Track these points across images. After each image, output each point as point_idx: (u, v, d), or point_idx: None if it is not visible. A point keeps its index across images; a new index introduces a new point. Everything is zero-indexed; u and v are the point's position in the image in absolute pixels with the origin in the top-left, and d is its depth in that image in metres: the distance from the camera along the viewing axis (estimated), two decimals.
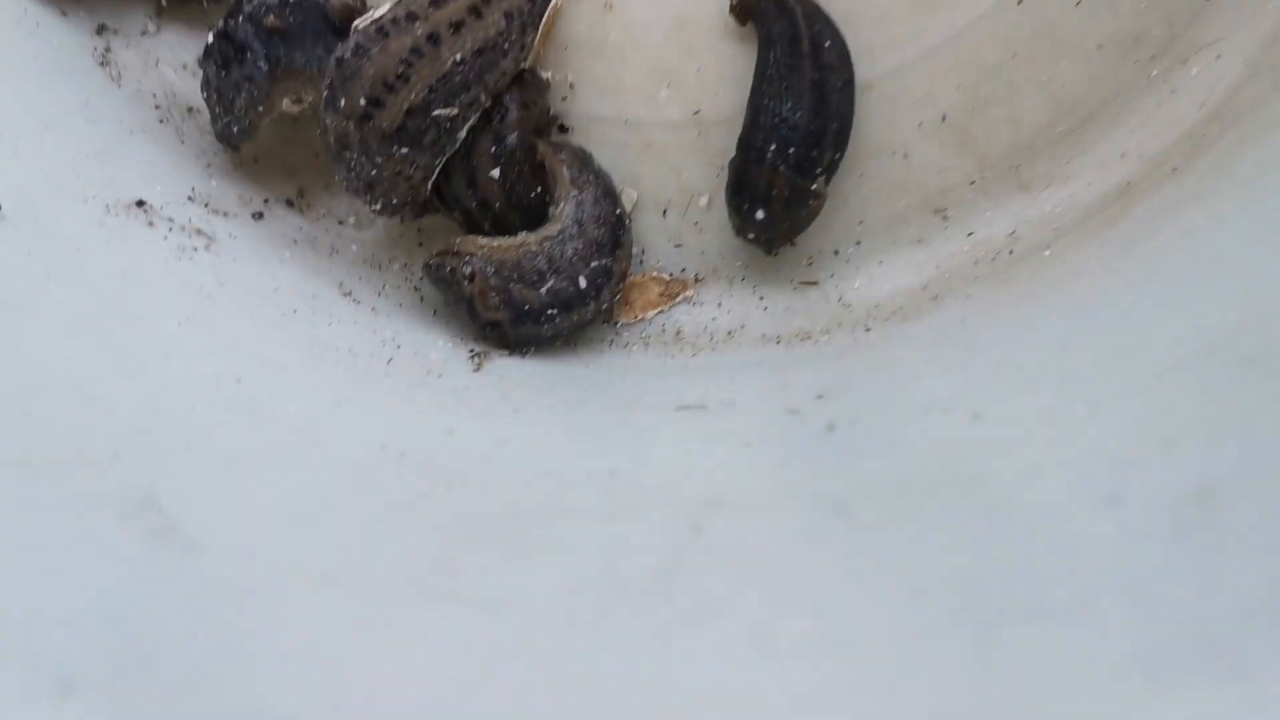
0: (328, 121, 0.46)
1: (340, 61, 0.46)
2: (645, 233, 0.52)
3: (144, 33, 0.54)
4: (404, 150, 0.46)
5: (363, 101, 0.45)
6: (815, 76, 0.47)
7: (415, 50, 0.46)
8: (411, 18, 0.46)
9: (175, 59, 0.54)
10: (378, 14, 0.47)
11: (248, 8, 0.50)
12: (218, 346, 0.42)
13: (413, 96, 0.45)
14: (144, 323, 0.41)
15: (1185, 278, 0.42)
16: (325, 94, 0.46)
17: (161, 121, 0.53)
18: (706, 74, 0.51)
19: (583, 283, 0.48)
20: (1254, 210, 0.42)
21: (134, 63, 0.53)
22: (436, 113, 0.46)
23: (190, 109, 0.54)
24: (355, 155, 0.46)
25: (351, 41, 0.46)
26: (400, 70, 0.45)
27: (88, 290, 0.41)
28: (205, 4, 0.54)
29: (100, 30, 0.54)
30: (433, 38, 0.46)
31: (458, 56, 0.46)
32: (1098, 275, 0.45)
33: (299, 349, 0.44)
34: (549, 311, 0.48)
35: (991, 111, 0.49)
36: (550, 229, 0.48)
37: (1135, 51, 0.48)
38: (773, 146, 0.47)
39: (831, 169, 0.48)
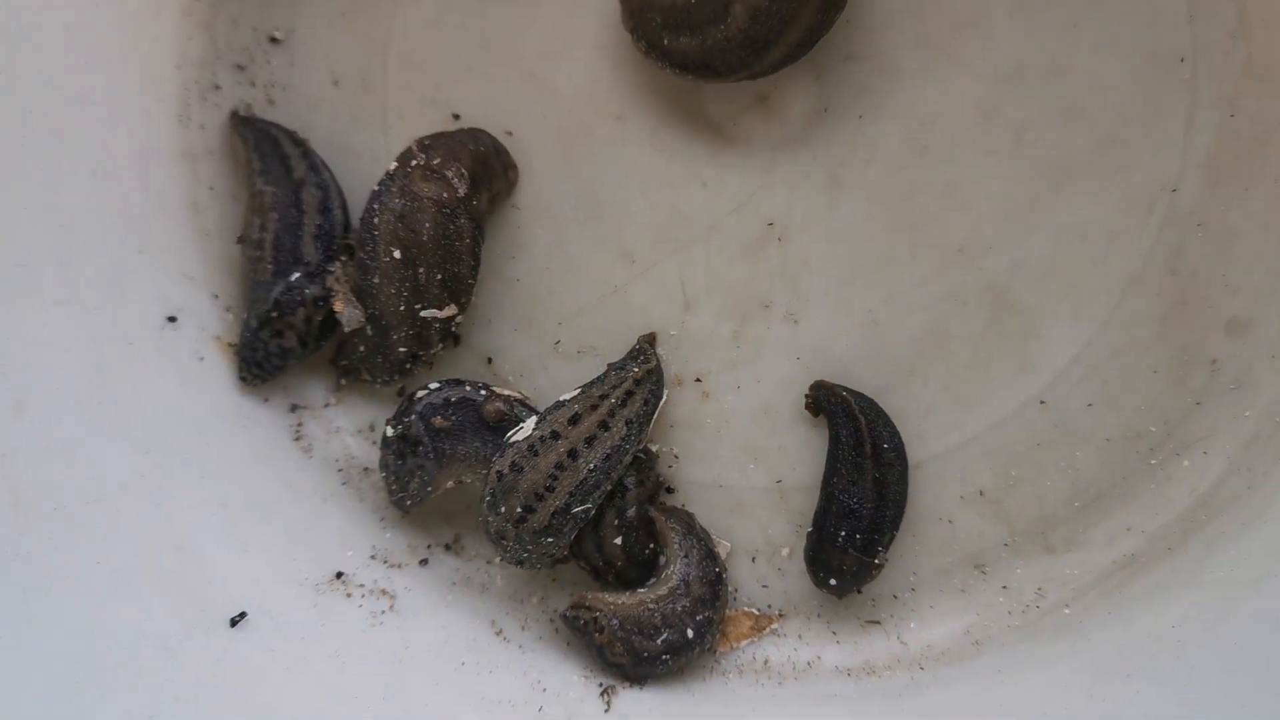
0: (489, 519, 0.59)
1: (501, 475, 0.58)
2: (737, 575, 0.64)
3: (326, 405, 0.67)
4: (550, 540, 0.59)
5: (519, 509, 0.58)
6: (877, 475, 0.59)
7: (559, 465, 0.58)
8: (555, 436, 0.59)
9: (352, 425, 0.67)
10: (527, 431, 0.60)
11: (419, 407, 0.63)
12: (414, 718, 0.55)
13: (558, 503, 0.58)
14: (358, 703, 0.54)
15: (1183, 652, 0.54)
16: (487, 499, 0.59)
17: (344, 484, 0.66)
18: (786, 450, 0.63)
19: (690, 633, 0.60)
20: (1227, 606, 0.53)
21: (319, 433, 0.66)
22: (575, 510, 0.59)
23: (365, 469, 0.67)
24: (511, 544, 0.59)
25: (508, 458, 0.59)
26: (548, 483, 0.58)
27: (315, 680, 0.54)
28: (376, 385, 0.66)
29: (293, 409, 0.67)
30: (572, 453, 0.59)
31: (592, 465, 0.59)
32: (1114, 638, 0.56)
33: (473, 709, 0.57)
34: (663, 657, 0.60)
35: (1020, 488, 0.61)
36: (663, 589, 0.61)
37: (1137, 444, 0.60)
38: (842, 532, 0.59)
39: (890, 542, 0.60)
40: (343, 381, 0.66)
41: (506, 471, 0.58)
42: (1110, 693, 0.53)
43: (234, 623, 0.54)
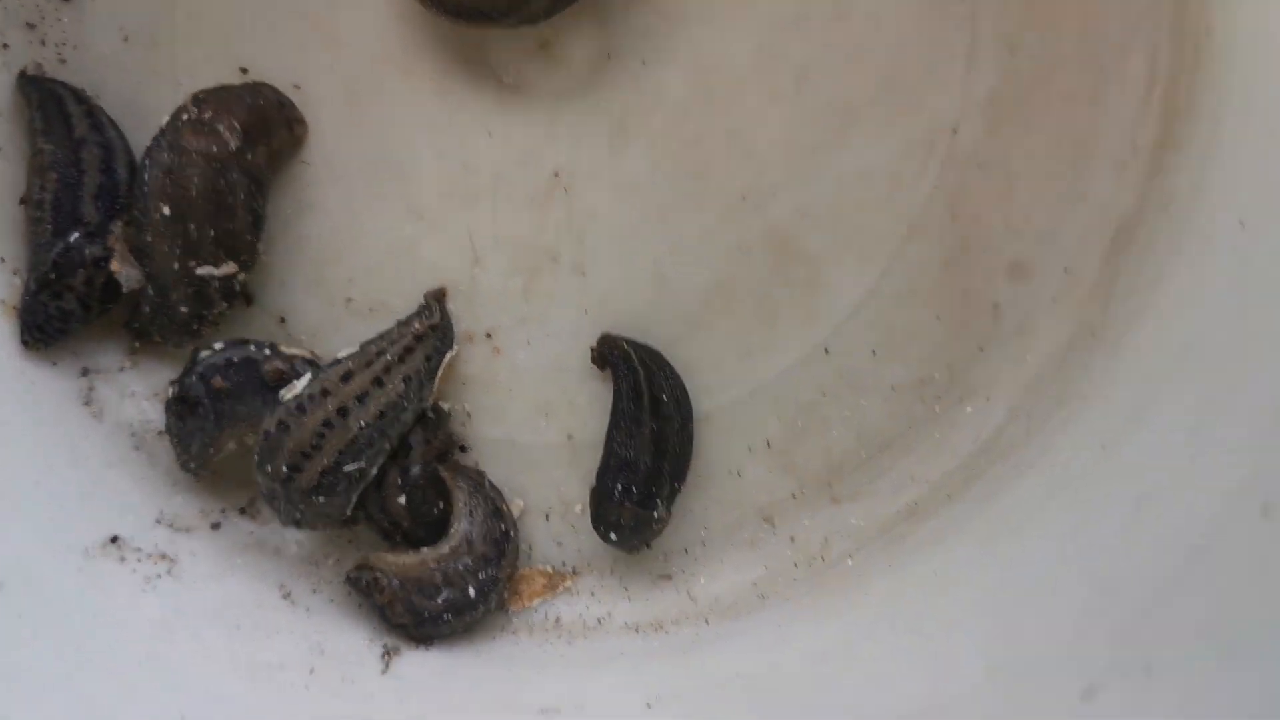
0: (259, 479, 0.58)
1: (268, 434, 0.57)
2: (531, 533, 0.63)
3: (120, 369, 0.66)
4: (321, 499, 0.58)
5: (285, 468, 0.57)
6: (654, 427, 0.58)
7: (327, 423, 0.57)
8: (325, 393, 0.58)
9: (148, 389, 0.65)
10: (298, 389, 0.58)
11: (199, 368, 0.61)
12: (170, 685, 0.53)
13: (325, 461, 0.57)
14: (110, 671, 0.53)
15: (951, 603, 0.53)
16: (256, 458, 0.58)
17: (136, 449, 0.64)
18: (577, 406, 0.62)
19: (472, 592, 0.59)
20: (1000, 552, 0.52)
21: (112, 397, 0.65)
22: (346, 468, 0.57)
23: (160, 432, 0.65)
24: (283, 504, 0.58)
25: (276, 416, 0.57)
26: (315, 441, 0.57)
27: (64, 646, 0.53)
28: (169, 346, 0.65)
29: (84, 373, 0.65)
30: (342, 410, 0.57)
31: (363, 423, 0.57)
32: (887, 590, 0.55)
33: (239, 674, 0.55)
34: (444, 617, 0.59)
35: (807, 439, 0.60)
36: (444, 548, 0.60)
37: (922, 391, 0.59)
38: (619, 485, 0.58)
39: (672, 495, 0.59)
40: (137, 344, 0.64)
41: (274, 430, 0.57)
42: (878, 648, 0.51)
43: None
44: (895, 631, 0.51)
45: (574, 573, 0.61)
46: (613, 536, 0.57)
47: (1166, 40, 0.52)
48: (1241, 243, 0.45)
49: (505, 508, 0.61)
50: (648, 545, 0.59)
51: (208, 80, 0.62)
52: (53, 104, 0.61)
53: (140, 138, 0.63)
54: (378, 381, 0.57)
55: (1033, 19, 0.55)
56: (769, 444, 0.59)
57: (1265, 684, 0.36)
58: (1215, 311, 0.47)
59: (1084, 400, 0.53)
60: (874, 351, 0.58)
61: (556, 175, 0.60)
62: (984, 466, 0.56)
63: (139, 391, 0.65)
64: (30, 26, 0.63)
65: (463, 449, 0.63)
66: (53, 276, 0.60)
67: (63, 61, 0.63)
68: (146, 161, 0.59)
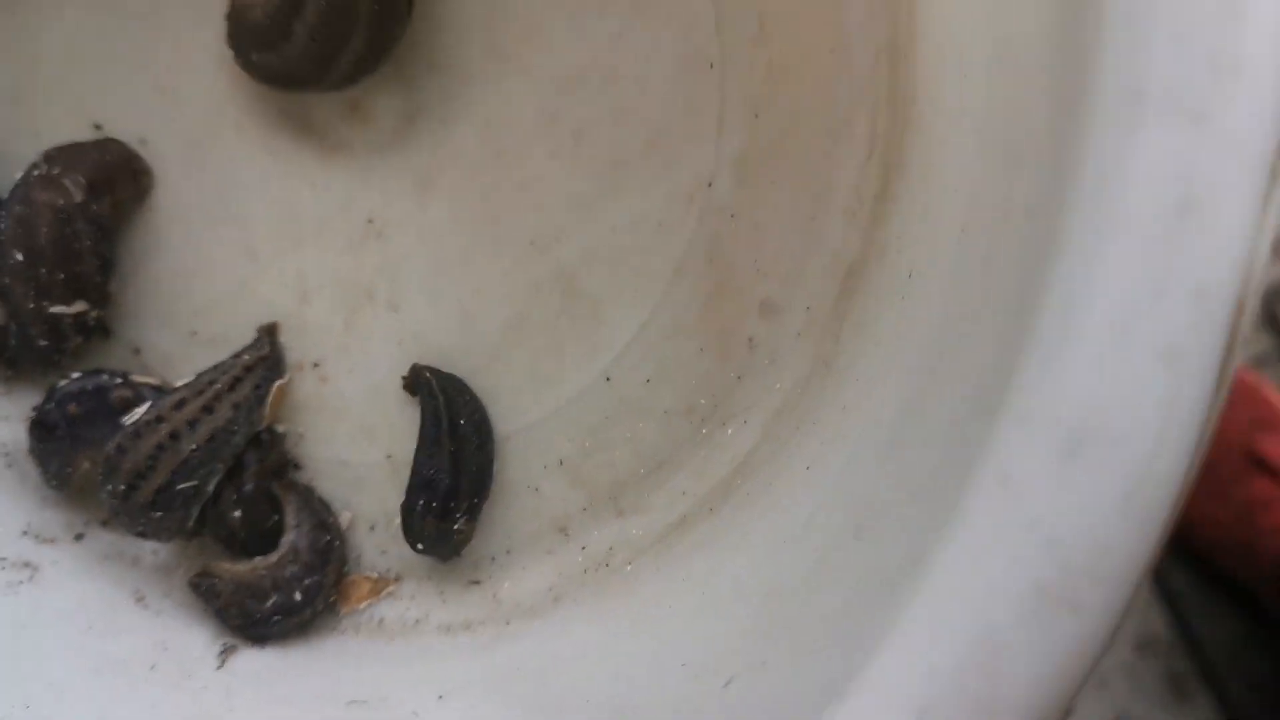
0: (102, 496, 0.65)
1: (107, 457, 0.65)
2: (360, 543, 0.70)
3: None
4: (159, 514, 0.65)
5: (123, 487, 0.64)
6: (453, 448, 0.65)
7: (160, 446, 0.65)
8: (159, 419, 0.65)
9: (19, 412, 0.73)
10: (137, 415, 0.66)
11: (57, 396, 0.69)
12: (17, 677, 0.61)
13: (159, 480, 0.65)
14: None
15: (694, 606, 0.60)
16: (99, 477, 0.65)
17: (9, 467, 0.72)
18: (396, 428, 0.69)
19: (298, 596, 0.67)
20: (741, 563, 0.60)
21: None
22: (180, 486, 0.65)
23: (30, 452, 0.73)
24: (124, 518, 0.66)
25: (116, 441, 0.65)
26: (149, 464, 0.64)
27: None
28: (36, 374, 0.73)
29: None
30: (174, 434, 0.65)
31: (193, 446, 0.65)
32: (652, 594, 0.63)
33: (85, 668, 0.63)
34: (274, 618, 0.67)
35: (595, 457, 0.67)
36: (274, 557, 0.67)
37: (690, 415, 0.66)
38: (421, 501, 0.65)
39: (473, 510, 0.66)
40: (10, 372, 0.72)
41: (112, 453, 0.64)
42: (637, 644, 0.59)
43: None
44: (660, 626, 0.58)
45: (396, 578, 0.69)
46: (419, 547, 0.65)
47: (884, 105, 0.60)
48: (912, 290, 0.53)
49: (332, 520, 0.68)
50: (458, 554, 0.67)
51: (66, 135, 0.70)
52: None
53: (4, 189, 0.70)
54: (208, 409, 0.65)
55: (773, 87, 0.62)
56: (562, 463, 0.67)
57: None
58: (913, 351, 0.55)
59: (814, 424, 0.60)
60: (648, 380, 0.65)
61: (371, 222, 0.67)
62: (739, 484, 0.63)
63: (12, 415, 0.72)
64: None
65: (297, 467, 0.70)
66: None
67: None
68: (2, 213, 0.66)
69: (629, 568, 0.65)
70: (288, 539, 0.66)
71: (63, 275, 0.65)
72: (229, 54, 0.67)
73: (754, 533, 0.58)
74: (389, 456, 0.68)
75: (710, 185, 0.63)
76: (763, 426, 0.63)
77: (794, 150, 0.62)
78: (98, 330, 0.70)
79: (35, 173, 0.66)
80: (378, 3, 0.60)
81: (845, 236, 0.61)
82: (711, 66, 0.62)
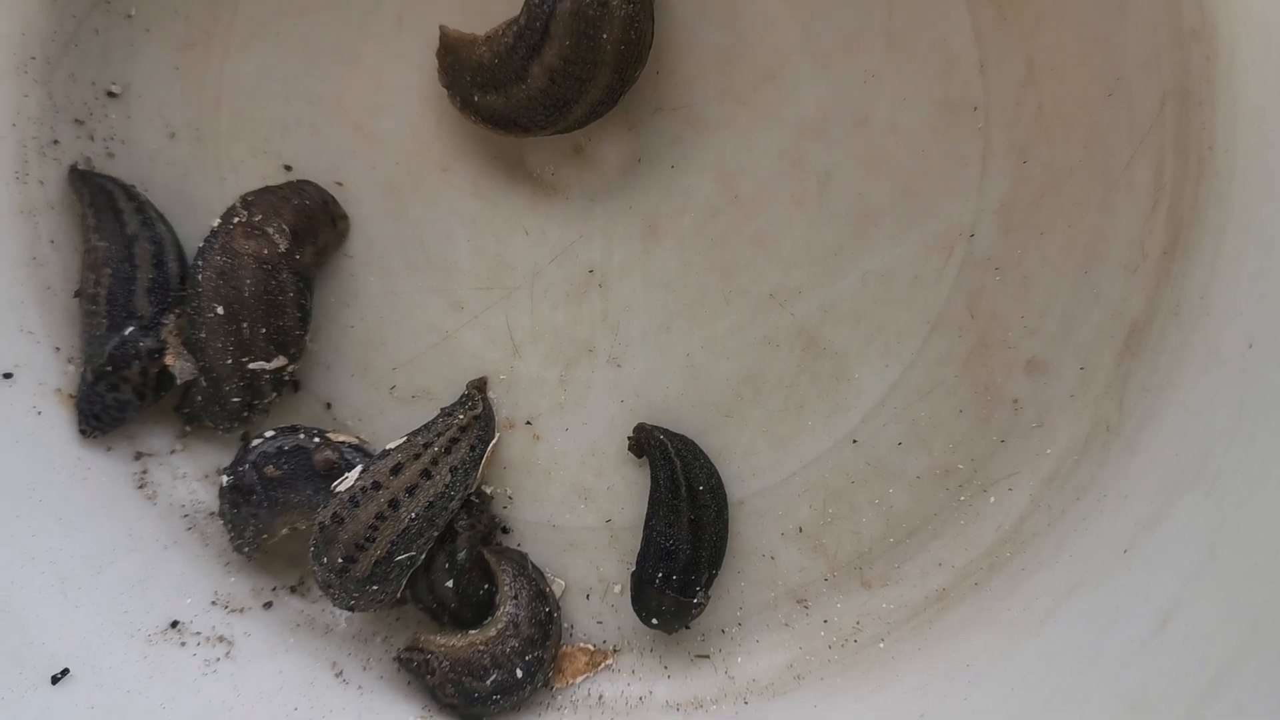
0: (314, 569, 0.61)
1: (323, 526, 0.60)
2: (572, 612, 0.66)
3: (172, 451, 0.69)
4: (375, 587, 0.61)
5: (340, 560, 0.60)
6: (692, 516, 0.61)
7: (380, 515, 0.60)
8: (377, 486, 0.61)
9: (198, 471, 0.68)
10: (350, 481, 0.61)
11: (252, 456, 0.64)
12: None
13: (379, 552, 0.60)
14: None
15: (981, 698, 0.56)
16: (311, 549, 0.60)
17: (189, 529, 0.67)
18: (614, 490, 0.65)
19: (519, 673, 0.62)
20: (1027, 648, 0.55)
21: (165, 480, 0.67)
22: (398, 558, 0.60)
23: (211, 514, 0.68)
24: (338, 592, 0.61)
25: (330, 509, 0.60)
26: (368, 534, 0.60)
27: None
28: (219, 431, 0.68)
29: (138, 457, 0.68)
30: (393, 503, 0.60)
31: (414, 514, 0.60)
32: (916, 677, 0.59)
33: None
34: (494, 697, 0.62)
35: (838, 524, 0.63)
36: (492, 630, 0.62)
37: (946, 481, 0.62)
38: (660, 574, 0.60)
39: (710, 581, 0.62)
40: (188, 428, 0.67)
41: (328, 523, 0.59)
42: None
43: (55, 680, 0.55)
44: (927, 717, 0.54)
45: (614, 651, 0.64)
46: (654, 621, 0.60)
47: (1171, 153, 0.55)
48: (1250, 363, 0.48)
49: (548, 589, 0.64)
50: (687, 626, 0.62)
51: (252, 176, 0.65)
52: (104, 200, 0.64)
53: (187, 229, 0.66)
54: (426, 473, 0.60)
55: (1043, 131, 0.58)
56: (800, 529, 0.62)
57: None
58: (1226, 427, 0.50)
59: (1102, 495, 0.56)
60: (900, 442, 0.61)
61: (591, 272, 0.63)
62: (1008, 556, 0.59)
63: (190, 473, 0.68)
64: (79, 123, 0.65)
65: (505, 530, 0.65)
66: (109, 369, 0.63)
67: (111, 156, 0.66)
68: (199, 263, 0.61)
69: (881, 645, 0.60)
70: (506, 611, 0.62)
71: (264, 330, 0.61)
72: (436, 94, 0.62)
73: (1047, 618, 0.53)
74: (608, 521, 0.64)
75: (972, 235, 0.59)
76: (1031, 494, 0.59)
77: (1066, 199, 0.58)
78: (290, 384, 0.65)
79: (235, 220, 0.61)
80: (624, 42, 0.56)
81: (1126, 292, 0.57)
82: (975, 109, 0.58)
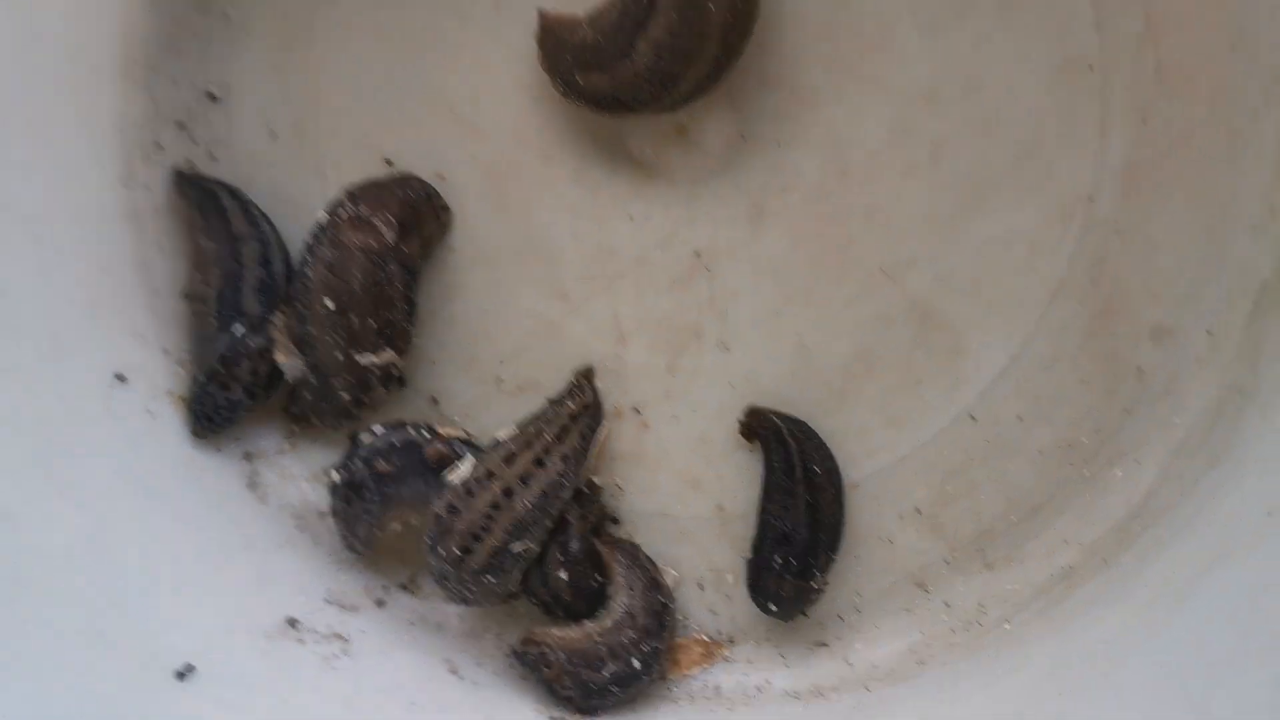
0: (430, 561, 0.60)
1: (438, 518, 0.60)
2: (686, 603, 0.64)
3: (280, 452, 0.69)
4: (491, 578, 0.60)
5: (457, 551, 0.59)
6: (808, 498, 0.59)
7: (494, 505, 0.59)
8: (490, 475, 0.60)
9: (306, 471, 0.68)
10: (463, 471, 0.61)
11: (362, 453, 0.64)
12: None
13: (495, 541, 0.59)
14: None
15: (1125, 674, 0.54)
16: (427, 540, 0.60)
17: (300, 529, 0.67)
18: (725, 477, 0.64)
19: (636, 664, 0.61)
20: (1169, 621, 0.53)
21: (274, 480, 0.68)
22: (514, 548, 0.60)
23: (321, 513, 0.68)
24: (454, 584, 0.60)
25: (445, 499, 0.60)
26: (484, 524, 0.59)
27: None
28: (327, 430, 0.68)
29: (247, 457, 0.68)
30: (507, 491, 0.60)
31: (528, 503, 0.60)
32: (1047, 658, 0.57)
33: None
34: (611, 689, 0.61)
35: (957, 504, 0.61)
36: (608, 621, 0.62)
37: (1070, 455, 0.60)
38: (778, 558, 0.59)
39: (828, 564, 0.60)
40: (295, 428, 0.67)
41: (443, 514, 0.59)
42: (1041, 713, 0.52)
43: (181, 676, 0.55)
44: (1065, 699, 0.52)
45: (730, 641, 0.63)
46: (772, 608, 0.59)
47: None
48: None
49: (662, 579, 0.63)
50: (805, 614, 0.61)
51: (353, 171, 0.65)
52: (210, 201, 0.65)
53: (290, 228, 0.66)
54: (539, 461, 0.60)
55: (1164, 88, 0.56)
56: (918, 510, 0.61)
57: None
58: None
59: (1239, 462, 0.54)
60: (1020, 417, 0.59)
61: (698, 255, 0.62)
62: (1138, 530, 0.57)
63: (298, 474, 0.68)
64: (181, 126, 0.66)
65: (615, 521, 0.65)
66: (220, 368, 0.63)
67: (214, 159, 0.67)
68: (308, 257, 0.62)
69: (1008, 626, 0.58)
70: (620, 601, 0.61)
71: (374, 322, 0.61)
72: (536, 80, 0.62)
73: (1189, 588, 0.51)
74: (720, 508, 0.63)
75: (1091, 200, 0.57)
76: (1160, 466, 0.57)
77: (1189, 159, 0.56)
78: (396, 379, 0.65)
79: (342, 213, 0.61)
80: (731, 12, 0.55)
81: (1254, 253, 0.55)
82: (1092, 69, 0.56)
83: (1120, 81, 0.57)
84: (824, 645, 0.62)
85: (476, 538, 0.58)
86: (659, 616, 0.61)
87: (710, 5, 0.54)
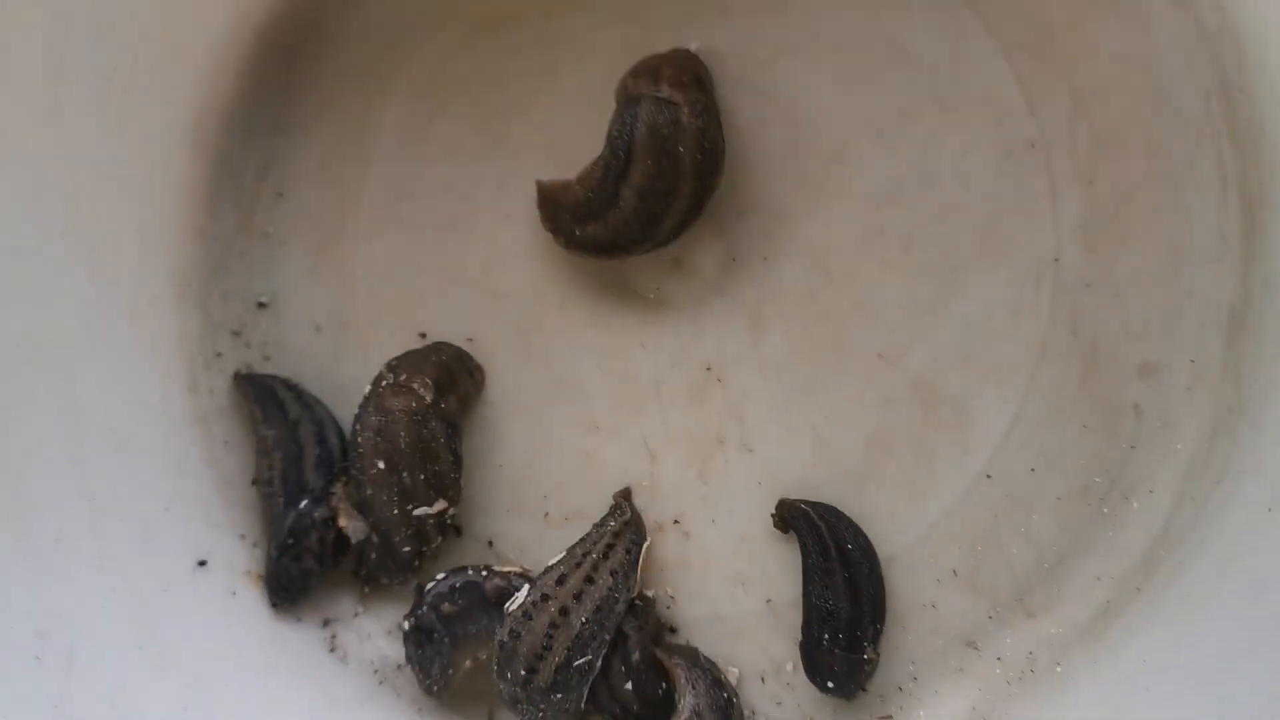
0: (500, 687, 0.64)
1: (503, 644, 0.64)
2: (751, 698, 0.67)
3: (355, 614, 0.73)
4: (559, 695, 0.63)
5: (523, 672, 0.63)
6: (845, 574, 0.63)
7: (553, 624, 0.63)
8: (546, 598, 0.64)
9: (381, 628, 0.73)
10: (520, 599, 0.65)
11: (429, 598, 0.68)
12: None
13: (557, 659, 0.63)
14: None
15: (1163, 684, 0.56)
16: (495, 667, 0.64)
17: (381, 684, 0.71)
18: (769, 571, 0.67)
19: None
20: (1198, 630, 0.56)
21: (353, 641, 0.72)
22: (576, 663, 0.63)
23: (399, 666, 0.72)
24: (525, 706, 0.64)
25: (507, 627, 0.64)
26: (545, 643, 0.63)
27: None
28: (395, 586, 0.73)
29: (325, 623, 0.73)
30: (563, 610, 0.64)
31: (584, 618, 0.64)
32: (1096, 684, 0.58)
33: None
34: None
35: (989, 561, 0.64)
36: None
37: (1086, 497, 0.63)
38: (825, 635, 0.62)
39: (877, 635, 0.63)
40: (366, 589, 0.72)
41: (507, 640, 0.63)
42: None
43: None
44: None
45: None
46: (829, 685, 0.62)
47: (1226, 143, 0.59)
48: None
49: (723, 676, 0.66)
50: (863, 689, 0.64)
51: (392, 349, 0.72)
52: (267, 395, 0.72)
53: (342, 409, 0.72)
54: (589, 579, 0.64)
55: (1101, 152, 0.62)
56: (955, 573, 0.64)
57: None
58: None
59: (1240, 473, 0.57)
60: (1033, 469, 0.63)
61: (709, 369, 0.67)
62: (1162, 555, 0.60)
63: (374, 632, 0.72)
64: (235, 334, 0.74)
65: (673, 630, 0.68)
66: (291, 541, 0.69)
67: (267, 358, 0.74)
68: (357, 427, 0.68)
69: (1058, 669, 0.60)
70: (687, 703, 0.64)
71: (423, 475, 0.66)
72: (542, 241, 0.69)
73: (1201, 595, 0.54)
74: (768, 602, 0.66)
75: (1057, 260, 0.63)
76: (1173, 490, 0.60)
77: (1139, 210, 0.61)
78: (452, 528, 0.70)
79: (384, 383, 0.67)
80: (699, 152, 0.62)
81: (1217, 282, 0.60)
82: (1033, 146, 0.63)
83: (1061, 153, 0.63)
84: (889, 718, 0.64)
85: (540, 657, 0.62)
86: (724, 711, 0.64)
87: (680, 148, 0.61)
